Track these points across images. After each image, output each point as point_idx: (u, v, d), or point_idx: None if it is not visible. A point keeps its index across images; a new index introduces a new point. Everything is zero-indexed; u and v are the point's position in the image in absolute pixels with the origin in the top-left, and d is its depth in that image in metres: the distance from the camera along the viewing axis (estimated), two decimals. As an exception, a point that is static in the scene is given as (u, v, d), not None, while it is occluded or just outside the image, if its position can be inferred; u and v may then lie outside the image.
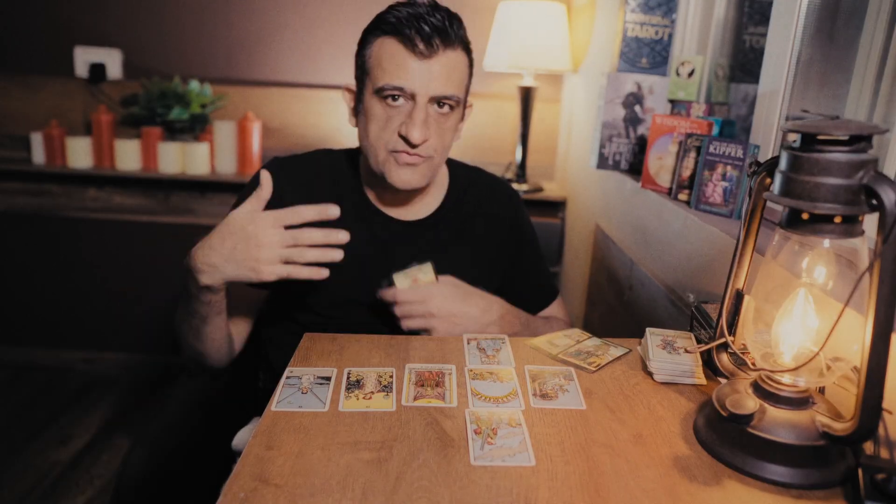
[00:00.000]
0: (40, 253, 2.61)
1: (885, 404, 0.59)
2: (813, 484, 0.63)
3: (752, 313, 0.71)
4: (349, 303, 1.10)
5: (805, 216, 0.61)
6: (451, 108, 1.01)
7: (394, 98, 0.98)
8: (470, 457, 0.66)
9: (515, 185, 2.30)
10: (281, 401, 0.76)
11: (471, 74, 1.06)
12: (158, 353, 2.68)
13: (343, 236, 0.88)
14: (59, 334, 2.69)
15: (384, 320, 1.06)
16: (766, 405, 0.66)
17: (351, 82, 1.09)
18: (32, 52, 2.43)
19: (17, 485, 1.98)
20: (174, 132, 2.38)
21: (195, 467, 1.11)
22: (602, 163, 1.62)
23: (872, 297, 0.57)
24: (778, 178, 0.62)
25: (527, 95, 2.27)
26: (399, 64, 0.97)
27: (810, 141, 0.60)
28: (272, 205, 0.90)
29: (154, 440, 1.12)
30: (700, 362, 0.85)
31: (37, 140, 2.38)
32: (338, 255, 0.89)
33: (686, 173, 1.28)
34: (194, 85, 2.34)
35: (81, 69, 2.41)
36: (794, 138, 0.63)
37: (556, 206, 2.35)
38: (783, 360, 0.68)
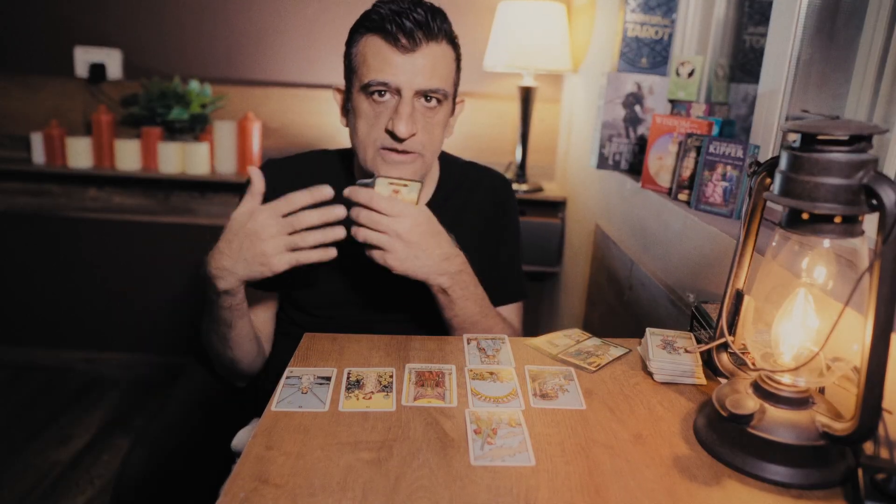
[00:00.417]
0: (40, 253, 2.61)
1: (885, 404, 0.59)
2: (813, 484, 0.63)
3: (752, 313, 0.71)
4: (347, 303, 1.10)
5: (805, 216, 0.61)
6: (439, 101, 1.01)
7: (380, 94, 0.99)
8: (470, 457, 0.66)
9: (515, 186, 2.30)
10: (281, 401, 0.76)
11: (458, 68, 1.06)
12: (158, 353, 2.68)
13: (340, 211, 0.88)
14: (59, 334, 2.69)
15: (384, 320, 1.05)
16: (766, 405, 0.66)
17: (342, 83, 1.09)
18: (32, 52, 2.43)
19: (17, 485, 1.98)
20: (174, 132, 2.38)
21: (195, 467, 1.11)
22: (602, 163, 1.62)
23: (872, 297, 0.57)
24: (778, 178, 0.62)
25: (527, 95, 2.27)
26: (383, 59, 0.97)
27: (810, 141, 0.60)
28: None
29: (154, 440, 1.12)
30: (700, 362, 0.85)
31: (37, 140, 2.38)
32: (340, 232, 0.90)
33: (686, 173, 1.28)
34: (194, 85, 2.34)
35: (81, 69, 2.41)
36: (793, 138, 0.63)
37: (556, 206, 2.35)
38: (783, 360, 0.68)
